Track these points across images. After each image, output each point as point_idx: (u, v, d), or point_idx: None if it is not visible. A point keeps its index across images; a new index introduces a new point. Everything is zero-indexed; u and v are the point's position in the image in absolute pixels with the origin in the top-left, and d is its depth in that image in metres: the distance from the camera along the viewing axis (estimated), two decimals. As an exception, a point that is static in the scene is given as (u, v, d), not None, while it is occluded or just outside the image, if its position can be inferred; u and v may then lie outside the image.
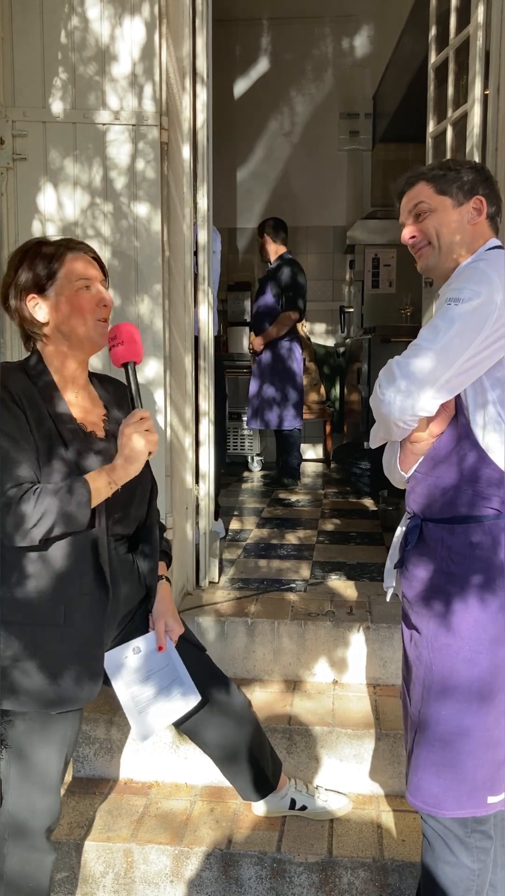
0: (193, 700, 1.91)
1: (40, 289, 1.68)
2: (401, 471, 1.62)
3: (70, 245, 1.73)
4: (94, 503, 1.62)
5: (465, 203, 1.60)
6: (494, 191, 1.63)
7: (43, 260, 1.68)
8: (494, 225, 1.64)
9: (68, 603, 1.66)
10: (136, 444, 1.62)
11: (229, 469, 5.67)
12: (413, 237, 1.64)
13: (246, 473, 5.75)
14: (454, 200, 1.60)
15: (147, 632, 1.90)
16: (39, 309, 1.68)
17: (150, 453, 1.65)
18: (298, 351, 5.06)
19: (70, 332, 1.69)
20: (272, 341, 4.96)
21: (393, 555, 1.75)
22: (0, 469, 1.55)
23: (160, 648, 1.90)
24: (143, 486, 1.83)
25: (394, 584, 1.78)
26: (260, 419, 5.08)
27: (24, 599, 1.64)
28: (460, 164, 1.64)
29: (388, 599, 1.82)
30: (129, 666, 1.86)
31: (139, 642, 1.87)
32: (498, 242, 1.62)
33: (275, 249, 5.04)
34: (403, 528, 1.71)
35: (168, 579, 1.99)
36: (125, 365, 1.68)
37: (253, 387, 5.10)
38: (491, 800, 1.56)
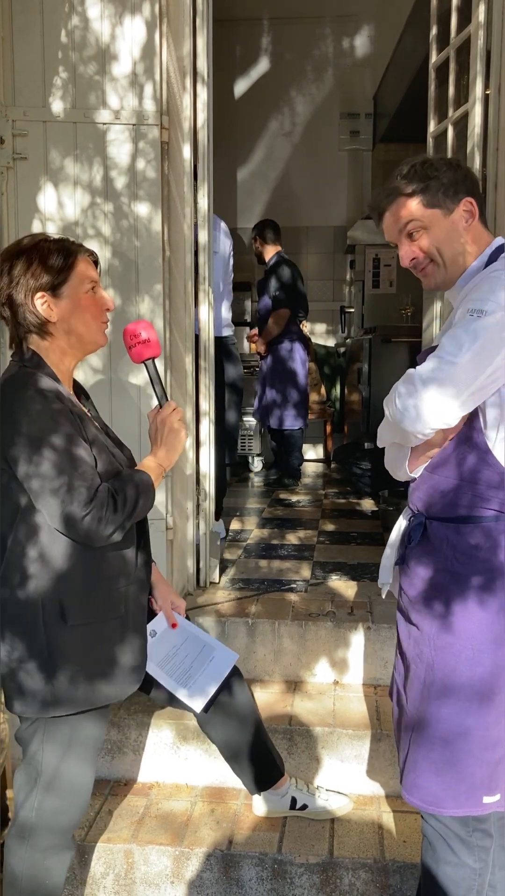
0: (231, 657, 1.98)
1: (53, 288, 1.66)
2: (409, 472, 1.61)
3: (79, 246, 1.73)
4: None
5: (455, 209, 1.54)
6: (476, 186, 1.57)
7: (57, 260, 1.67)
8: (484, 220, 1.59)
9: (125, 593, 1.71)
10: (179, 432, 1.73)
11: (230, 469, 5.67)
12: (413, 259, 1.58)
13: (246, 473, 5.74)
14: (444, 210, 1.53)
15: (152, 616, 1.94)
16: (48, 308, 1.67)
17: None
18: (299, 351, 5.05)
19: (73, 332, 1.69)
20: (273, 343, 4.97)
21: (392, 552, 1.74)
22: (78, 474, 1.56)
23: (173, 626, 1.95)
24: None
25: (390, 581, 1.77)
26: (263, 419, 5.13)
27: (87, 597, 1.65)
28: (437, 168, 1.55)
29: (383, 596, 1.82)
30: (153, 649, 1.88)
31: (152, 626, 1.92)
32: (503, 240, 1.59)
33: (270, 250, 5.09)
34: (405, 525, 1.70)
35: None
36: (146, 362, 1.74)
37: (258, 388, 5.16)
38: (487, 799, 1.56)
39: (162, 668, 1.89)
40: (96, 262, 1.77)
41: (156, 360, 1.75)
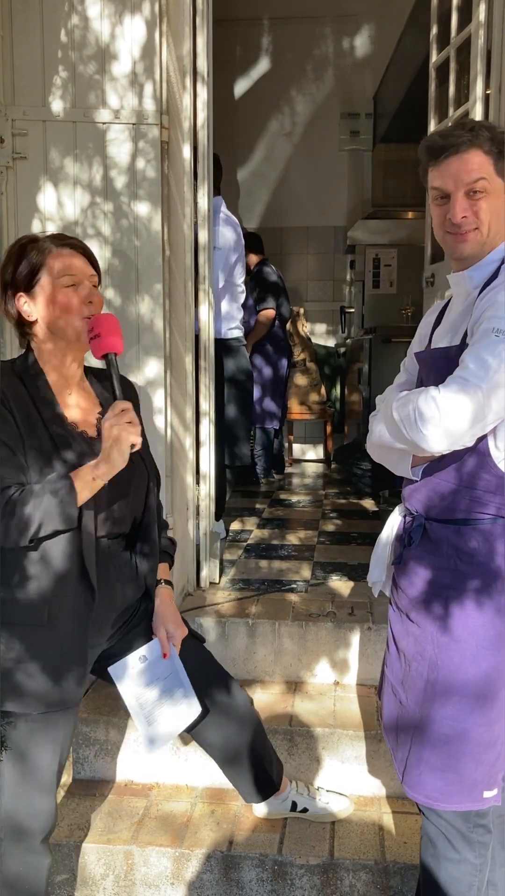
0: (196, 710, 1.91)
1: (27, 287, 1.68)
2: (411, 474, 1.60)
3: (57, 241, 1.71)
4: (81, 501, 1.60)
5: None
6: None
7: (27, 257, 1.68)
8: None
9: (52, 603, 1.66)
10: (117, 438, 1.56)
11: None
12: (465, 217, 1.48)
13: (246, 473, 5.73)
14: None
15: (150, 637, 1.90)
16: (29, 308, 1.68)
17: (133, 447, 1.58)
18: (278, 356, 5.13)
19: (60, 331, 1.69)
20: (256, 346, 5.05)
21: (384, 551, 1.74)
22: None
23: (165, 655, 1.89)
24: (137, 483, 1.81)
25: (383, 580, 1.77)
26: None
27: (13, 600, 1.64)
28: None
29: (375, 595, 1.81)
30: (136, 675, 1.85)
31: (144, 651, 1.87)
32: None
33: (255, 259, 5.17)
34: (399, 524, 1.70)
35: (169, 582, 1.96)
36: (105, 356, 1.62)
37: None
38: (486, 794, 1.57)
39: (137, 698, 1.85)
40: (88, 257, 1.73)
41: (116, 356, 1.63)
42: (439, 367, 1.49)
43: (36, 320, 1.69)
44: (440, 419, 1.38)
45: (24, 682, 1.65)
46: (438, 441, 1.40)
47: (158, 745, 1.87)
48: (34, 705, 1.66)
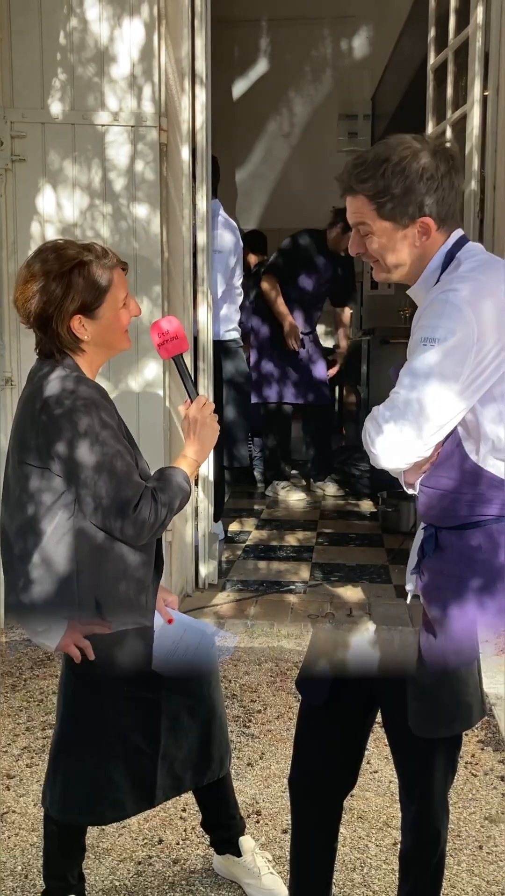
0: (231, 640, 2.04)
1: (90, 310, 1.64)
2: (408, 489, 1.61)
3: (116, 263, 1.69)
4: None
5: (410, 226, 1.48)
6: (445, 193, 1.47)
7: (97, 282, 1.64)
8: (450, 226, 1.52)
9: (149, 591, 1.74)
10: (212, 427, 1.73)
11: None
12: (358, 253, 1.55)
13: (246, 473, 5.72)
14: (398, 224, 1.48)
15: None
16: (82, 329, 1.64)
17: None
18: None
19: (104, 344, 1.70)
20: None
21: (411, 560, 1.75)
22: (126, 473, 1.59)
23: (169, 622, 1.95)
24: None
25: (413, 587, 1.77)
26: None
27: (111, 596, 1.67)
28: (394, 173, 1.44)
29: (408, 601, 1.82)
30: (155, 646, 1.90)
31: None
32: (460, 234, 1.52)
33: (253, 260, 5.16)
34: (420, 537, 1.70)
35: None
36: (177, 357, 1.74)
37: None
38: None
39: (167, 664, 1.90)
40: (125, 268, 1.75)
41: (183, 356, 1.76)
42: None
43: (86, 340, 1.66)
44: (381, 435, 1.41)
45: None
46: (387, 456, 1.42)
47: None
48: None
